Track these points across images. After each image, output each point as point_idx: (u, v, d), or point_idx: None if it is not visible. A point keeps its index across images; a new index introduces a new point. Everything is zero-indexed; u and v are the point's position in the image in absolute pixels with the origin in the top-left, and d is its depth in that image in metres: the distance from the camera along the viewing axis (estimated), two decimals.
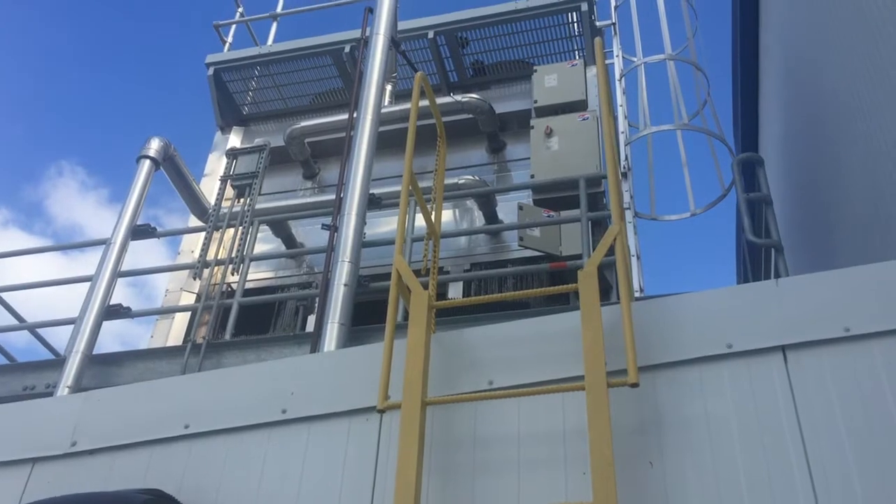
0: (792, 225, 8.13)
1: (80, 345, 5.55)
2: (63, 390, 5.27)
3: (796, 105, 7.61)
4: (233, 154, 7.09)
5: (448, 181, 6.38)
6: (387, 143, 6.59)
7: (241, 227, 6.33)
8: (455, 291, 6.57)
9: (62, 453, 3.49)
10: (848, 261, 5.56)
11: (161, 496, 3.11)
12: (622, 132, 7.12)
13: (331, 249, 5.34)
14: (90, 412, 3.60)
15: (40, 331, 6.66)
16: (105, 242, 6.20)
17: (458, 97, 7.31)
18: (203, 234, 6.63)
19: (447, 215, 7.09)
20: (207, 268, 6.24)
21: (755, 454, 2.70)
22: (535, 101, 7.09)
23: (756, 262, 8.41)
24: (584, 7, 7.64)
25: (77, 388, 5.31)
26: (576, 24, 7.89)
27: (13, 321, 6.58)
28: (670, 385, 2.94)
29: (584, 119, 6.85)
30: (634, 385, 2.70)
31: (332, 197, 6.18)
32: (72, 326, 5.78)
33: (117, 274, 6.06)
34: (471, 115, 7.33)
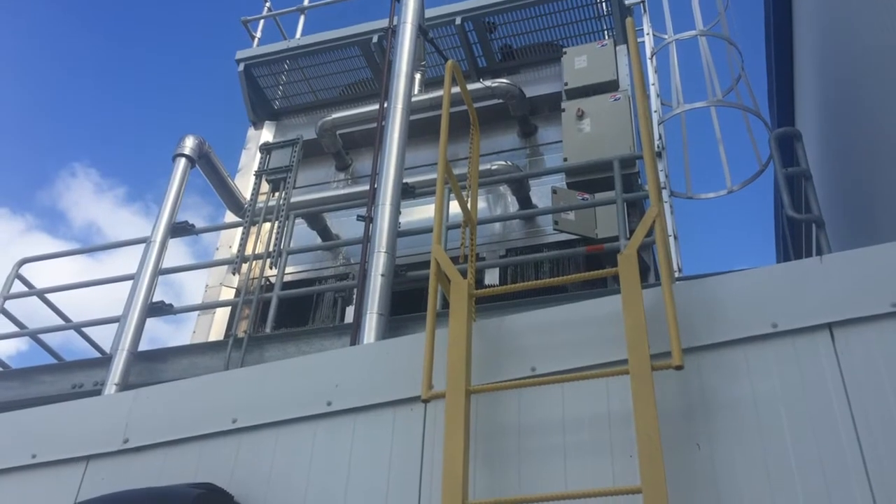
0: (833, 199, 7.98)
1: (126, 342, 5.67)
2: (111, 388, 5.39)
3: (833, 75, 7.45)
4: (266, 149, 7.15)
5: (480, 167, 6.36)
6: (418, 131, 6.59)
7: (277, 221, 6.39)
8: (491, 277, 6.57)
9: (115, 450, 3.57)
10: (891, 234, 5.45)
11: (212, 490, 3.17)
12: (655, 111, 7.04)
13: (367, 240, 5.38)
14: (140, 409, 3.68)
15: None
16: (145, 241, 6.30)
17: (488, 82, 7.27)
18: (240, 229, 6.71)
19: (480, 202, 7.07)
20: (246, 262, 6.31)
21: (804, 435, 2.67)
22: (566, 84, 7.04)
23: (797, 238, 8.29)
24: None
25: (124, 385, 5.42)
26: (604, 4, 7.80)
27: (56, 322, 6.74)
28: (715, 366, 2.91)
29: (615, 99, 6.79)
30: (679, 367, 2.68)
31: (366, 188, 6.20)
32: (115, 325, 5.90)
33: (158, 272, 6.16)
34: (501, 100, 7.29)
